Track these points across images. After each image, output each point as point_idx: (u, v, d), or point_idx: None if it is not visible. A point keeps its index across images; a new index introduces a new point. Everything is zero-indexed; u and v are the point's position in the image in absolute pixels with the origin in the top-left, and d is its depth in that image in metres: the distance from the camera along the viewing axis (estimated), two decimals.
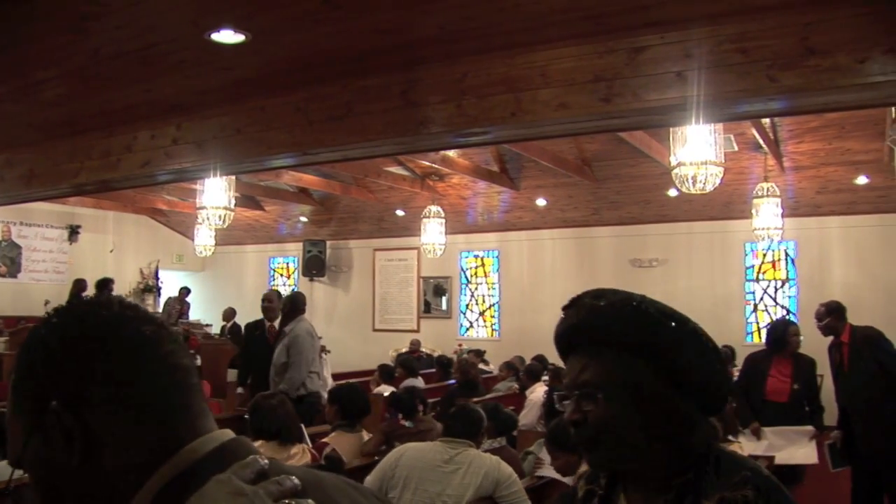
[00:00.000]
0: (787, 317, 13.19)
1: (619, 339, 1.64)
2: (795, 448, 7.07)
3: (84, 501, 1.09)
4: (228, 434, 1.12)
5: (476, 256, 17.26)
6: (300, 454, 5.06)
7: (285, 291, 19.59)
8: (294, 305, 8.61)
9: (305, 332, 8.34)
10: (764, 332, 10.73)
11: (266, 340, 8.65)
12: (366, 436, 5.72)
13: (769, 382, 7.28)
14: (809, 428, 7.13)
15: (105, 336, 1.10)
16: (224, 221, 9.95)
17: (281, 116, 6.01)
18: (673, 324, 1.65)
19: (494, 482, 4.48)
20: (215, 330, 16.44)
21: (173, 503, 1.00)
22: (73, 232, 17.00)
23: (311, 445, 5.46)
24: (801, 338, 7.42)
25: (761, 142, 10.78)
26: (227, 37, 4.91)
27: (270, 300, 8.96)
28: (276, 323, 8.71)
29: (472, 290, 17.29)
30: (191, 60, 5.42)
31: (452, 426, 4.75)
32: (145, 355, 1.11)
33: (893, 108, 5.54)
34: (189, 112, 6.43)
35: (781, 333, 7.52)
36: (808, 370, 7.39)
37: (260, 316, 9.02)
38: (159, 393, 1.10)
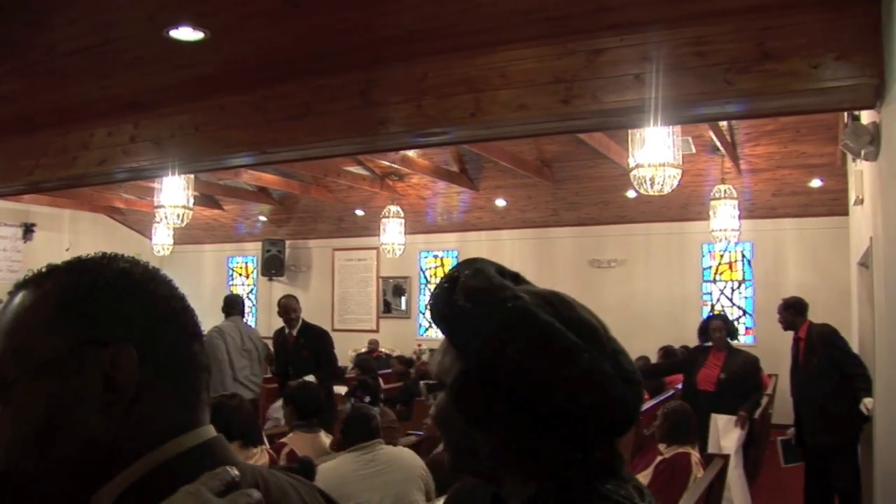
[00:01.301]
0: (718, 314, 13.46)
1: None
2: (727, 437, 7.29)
3: (65, 448, 1.05)
4: (212, 431, 1.13)
5: (435, 257, 17.27)
6: (258, 455, 5.03)
7: (244, 291, 19.52)
8: (224, 307, 8.61)
9: (214, 332, 8.22)
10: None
11: (286, 348, 8.50)
12: (324, 436, 5.69)
13: (701, 373, 7.54)
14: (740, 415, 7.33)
15: (178, 303, 1.16)
16: (182, 220, 9.85)
17: (240, 115, 5.97)
18: (477, 309, 1.19)
19: (421, 469, 4.58)
20: None
21: (146, 496, 1.01)
22: (28, 230, 16.73)
23: (268, 446, 5.43)
24: (721, 333, 7.72)
25: (718, 144, 10.89)
26: (185, 34, 4.87)
27: (294, 309, 8.60)
28: (295, 331, 8.50)
29: (432, 290, 17.24)
30: (149, 57, 5.37)
31: (351, 431, 4.75)
32: (193, 332, 1.16)
33: (846, 113, 5.61)
34: (147, 110, 6.37)
35: (704, 326, 7.98)
36: (743, 363, 7.61)
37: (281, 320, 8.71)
38: (191, 371, 1.14)
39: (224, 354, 8.18)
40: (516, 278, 1.32)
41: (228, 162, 6.74)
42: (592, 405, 1.15)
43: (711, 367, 7.63)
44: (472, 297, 1.19)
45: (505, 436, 1.19)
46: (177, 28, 4.79)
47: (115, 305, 1.09)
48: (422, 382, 7.59)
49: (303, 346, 8.38)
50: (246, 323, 9.10)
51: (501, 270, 1.29)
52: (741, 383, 7.53)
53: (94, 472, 1.04)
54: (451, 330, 1.23)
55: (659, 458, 5.59)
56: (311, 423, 5.65)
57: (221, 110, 6.05)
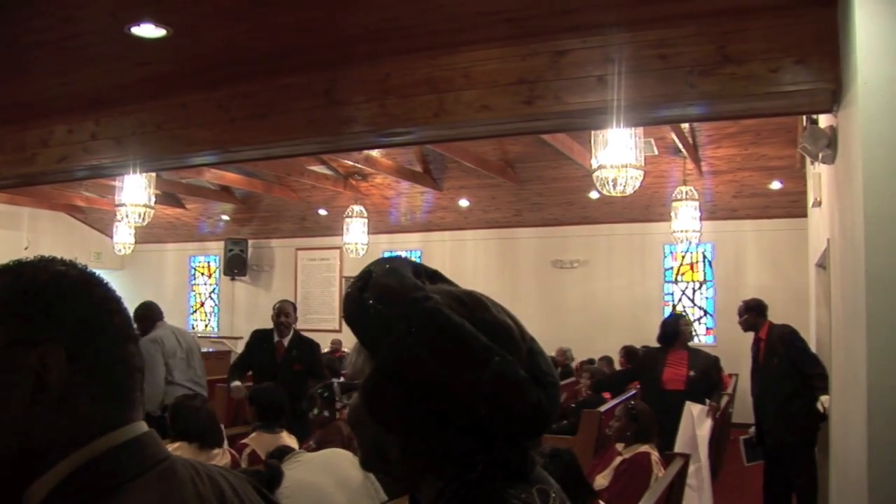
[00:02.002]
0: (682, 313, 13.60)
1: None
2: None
3: None
4: (143, 427, 1.16)
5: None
6: (220, 455, 5.00)
7: (207, 291, 19.38)
8: (143, 315, 7.85)
9: (148, 343, 7.53)
10: None
11: (273, 356, 7.93)
12: (286, 436, 5.66)
13: (666, 372, 7.59)
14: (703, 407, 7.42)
15: (113, 305, 1.18)
16: (144, 219, 9.78)
17: (202, 113, 5.93)
18: (386, 309, 1.17)
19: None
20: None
21: (77, 491, 1.05)
22: None
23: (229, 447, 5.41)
24: (693, 329, 7.82)
25: (680, 146, 11.00)
26: (147, 31, 4.83)
27: (287, 314, 8.11)
28: (287, 340, 8.01)
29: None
30: (110, 54, 5.31)
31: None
32: (127, 334, 1.18)
33: (804, 117, 5.68)
34: (108, 107, 6.30)
35: (674, 325, 7.97)
36: (706, 361, 7.70)
37: (268, 326, 8.19)
38: (124, 371, 1.17)
39: (160, 364, 7.58)
40: (434, 277, 1.31)
41: (191, 160, 6.70)
42: (503, 409, 1.13)
43: (678, 367, 7.68)
44: (382, 297, 1.18)
45: (415, 438, 1.17)
46: (138, 25, 4.74)
47: (48, 306, 1.11)
48: (336, 382, 7.53)
49: (295, 358, 7.89)
50: (176, 327, 8.71)
51: (418, 269, 1.28)
52: (706, 381, 7.62)
53: (26, 468, 1.07)
54: (360, 330, 1.21)
55: (619, 458, 5.62)
56: (273, 424, 5.63)
57: (184, 108, 6.01)
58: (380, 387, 1.17)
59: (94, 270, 1.22)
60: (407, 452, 1.19)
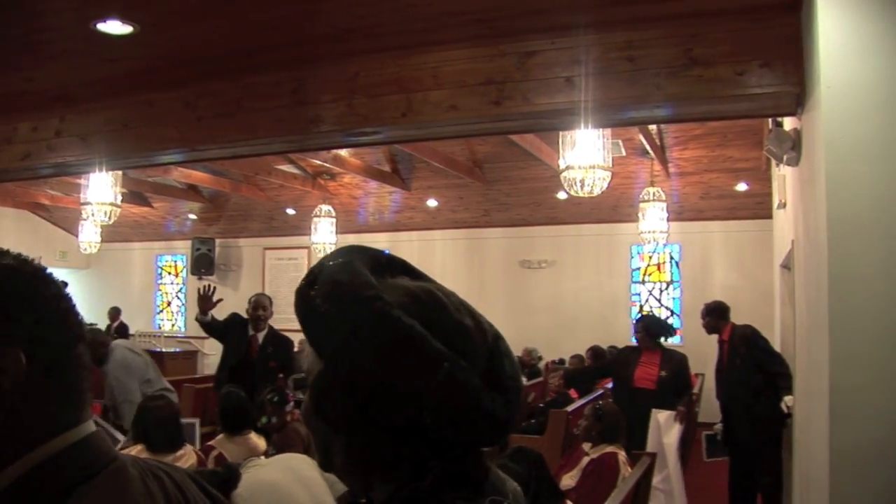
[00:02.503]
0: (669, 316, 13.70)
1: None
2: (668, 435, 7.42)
3: None
4: (91, 427, 1.16)
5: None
6: (186, 456, 4.96)
7: (174, 290, 19.25)
8: (95, 341, 7.19)
9: (126, 351, 7.34)
10: None
11: (248, 351, 7.81)
12: (255, 437, 5.63)
13: (638, 371, 7.65)
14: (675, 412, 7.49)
15: (66, 304, 1.16)
16: (110, 218, 9.66)
17: (169, 111, 5.89)
18: (332, 308, 1.10)
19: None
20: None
21: (29, 492, 1.06)
22: None
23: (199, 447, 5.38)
24: (640, 334, 7.98)
25: (648, 147, 11.06)
26: (114, 27, 4.79)
27: (264, 307, 7.96)
28: (262, 336, 7.87)
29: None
30: (76, 50, 5.27)
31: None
32: (78, 333, 1.17)
33: (770, 119, 5.73)
34: (73, 104, 6.25)
35: (664, 325, 8.14)
36: (678, 361, 7.76)
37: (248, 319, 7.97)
38: (76, 371, 1.16)
39: (137, 389, 7.12)
40: (394, 268, 1.25)
41: (158, 159, 6.65)
42: (452, 417, 1.07)
43: (649, 366, 7.74)
44: (329, 295, 1.11)
45: (359, 442, 1.12)
46: (105, 21, 4.71)
47: (3, 307, 1.10)
48: (291, 378, 7.46)
49: (271, 355, 7.79)
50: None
51: (377, 262, 1.21)
52: (677, 381, 7.68)
53: None
54: (307, 329, 1.14)
55: (586, 458, 5.64)
56: (237, 429, 5.59)
57: (150, 106, 5.97)
58: (326, 388, 1.12)
59: (44, 266, 1.19)
60: (351, 456, 1.15)
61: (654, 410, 7.43)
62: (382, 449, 1.11)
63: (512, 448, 4.11)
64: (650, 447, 7.17)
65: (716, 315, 7.52)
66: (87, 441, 1.14)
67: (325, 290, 1.12)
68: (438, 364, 1.06)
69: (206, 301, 7.95)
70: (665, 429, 7.41)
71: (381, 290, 1.11)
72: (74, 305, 1.19)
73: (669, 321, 8.02)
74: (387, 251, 1.28)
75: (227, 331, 8.06)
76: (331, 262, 1.16)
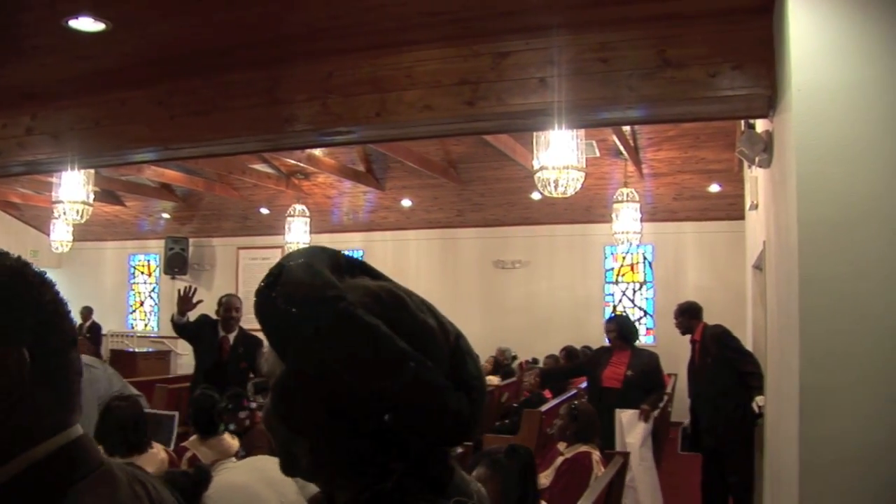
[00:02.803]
0: (623, 314, 13.79)
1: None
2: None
3: None
4: (79, 430, 1.17)
5: None
6: (151, 457, 4.90)
7: (146, 290, 19.14)
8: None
9: (104, 367, 6.74)
10: None
11: (220, 352, 7.73)
12: (227, 438, 5.59)
13: (606, 371, 7.72)
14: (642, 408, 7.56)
15: (63, 308, 1.18)
16: (82, 216, 9.60)
17: (142, 110, 5.84)
18: (294, 309, 1.08)
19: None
20: None
21: (20, 492, 1.07)
22: None
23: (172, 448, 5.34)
24: (613, 334, 8.03)
25: (622, 148, 11.11)
26: (86, 24, 4.75)
27: (236, 309, 7.86)
28: (233, 337, 7.78)
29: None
30: (47, 47, 5.22)
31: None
32: (72, 337, 1.20)
33: (742, 121, 5.79)
34: (45, 101, 6.19)
35: (633, 325, 8.28)
36: (647, 361, 7.82)
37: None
38: (70, 375, 1.18)
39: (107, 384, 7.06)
40: (354, 269, 1.23)
41: (130, 157, 6.60)
42: (419, 417, 1.07)
43: (617, 366, 7.81)
44: (290, 295, 1.09)
45: (324, 444, 1.10)
46: (77, 18, 4.67)
47: (7, 307, 1.11)
48: (250, 382, 7.42)
49: (242, 356, 7.68)
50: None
51: (337, 262, 1.20)
52: (646, 380, 7.72)
53: None
54: (268, 330, 1.11)
55: (560, 458, 5.66)
56: (208, 431, 5.54)
57: (123, 104, 5.92)
58: (288, 391, 1.10)
59: (43, 270, 1.21)
60: (317, 459, 1.12)
61: (617, 410, 7.48)
62: (346, 451, 1.09)
63: (505, 446, 4.12)
64: (616, 446, 7.22)
65: (688, 315, 7.57)
66: (78, 443, 1.15)
67: (286, 290, 1.09)
68: (404, 364, 1.05)
69: (186, 302, 7.89)
70: (628, 428, 7.45)
71: (343, 290, 1.09)
72: (70, 311, 1.20)
73: (639, 325, 8.07)
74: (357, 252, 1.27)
75: (199, 333, 7.98)
76: (291, 263, 1.14)
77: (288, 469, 1.17)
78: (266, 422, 1.18)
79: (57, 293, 1.18)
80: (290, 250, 9.04)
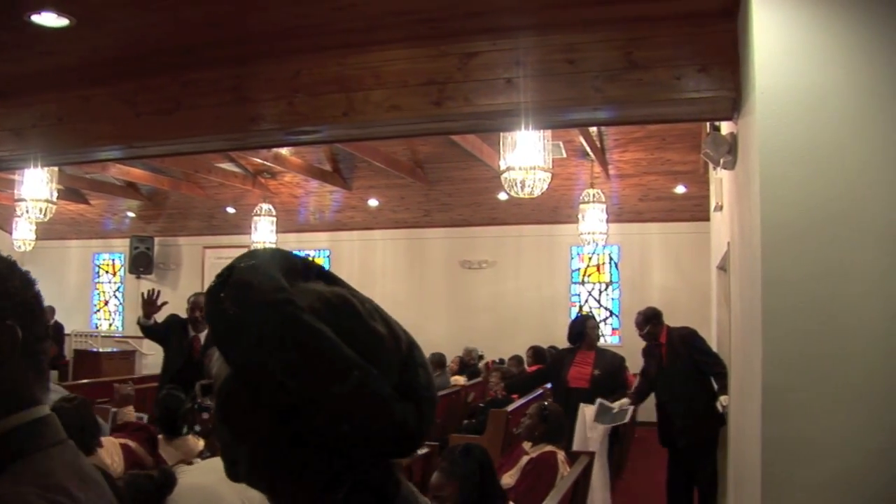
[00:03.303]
0: (589, 315, 13.85)
1: None
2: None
3: None
4: (46, 410, 1.30)
5: (307, 255, 17.11)
6: (100, 457, 4.83)
7: (111, 289, 18.96)
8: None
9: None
10: None
11: (190, 352, 7.64)
12: (192, 440, 5.56)
13: (571, 371, 7.74)
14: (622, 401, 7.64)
15: (41, 298, 1.35)
16: (45, 215, 9.49)
17: (107, 107, 5.79)
18: (239, 312, 1.06)
19: None
20: None
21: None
22: None
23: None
24: (597, 331, 8.17)
25: (588, 149, 11.17)
26: (49, 20, 4.69)
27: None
28: (203, 336, 7.65)
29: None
30: (9, 42, 5.15)
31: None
32: (46, 323, 1.34)
33: (707, 123, 5.84)
34: (6, 98, 6.11)
35: (581, 326, 8.12)
36: (612, 361, 7.87)
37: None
38: (44, 357, 1.34)
39: None
40: (309, 273, 1.19)
41: (95, 155, 6.54)
42: (361, 427, 1.04)
43: (583, 366, 7.85)
44: (237, 297, 1.06)
45: (264, 451, 1.08)
46: (39, 13, 4.61)
47: (7, 291, 1.26)
48: (198, 384, 7.34)
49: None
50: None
51: (291, 265, 1.16)
52: (611, 380, 7.76)
53: None
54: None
55: (525, 457, 5.67)
56: (174, 431, 5.50)
57: (87, 102, 5.86)
58: (231, 394, 1.08)
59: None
60: (256, 465, 1.09)
61: (581, 405, 7.53)
62: (290, 459, 1.07)
63: (460, 446, 4.11)
64: (577, 441, 7.29)
65: (654, 321, 7.57)
66: (49, 418, 1.29)
67: (233, 292, 1.07)
68: (348, 372, 1.02)
69: (150, 305, 7.84)
70: (591, 423, 7.51)
71: (291, 294, 1.07)
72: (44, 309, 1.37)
73: (590, 329, 8.04)
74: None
75: (169, 333, 7.91)
76: (241, 265, 1.11)
77: (231, 474, 1.14)
78: (212, 424, 1.22)
79: (38, 290, 1.33)
80: (255, 244, 9.04)
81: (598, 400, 7.58)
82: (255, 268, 1.09)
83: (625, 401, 7.64)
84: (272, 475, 1.09)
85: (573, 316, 14.63)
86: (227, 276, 1.10)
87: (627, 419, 7.77)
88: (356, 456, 1.07)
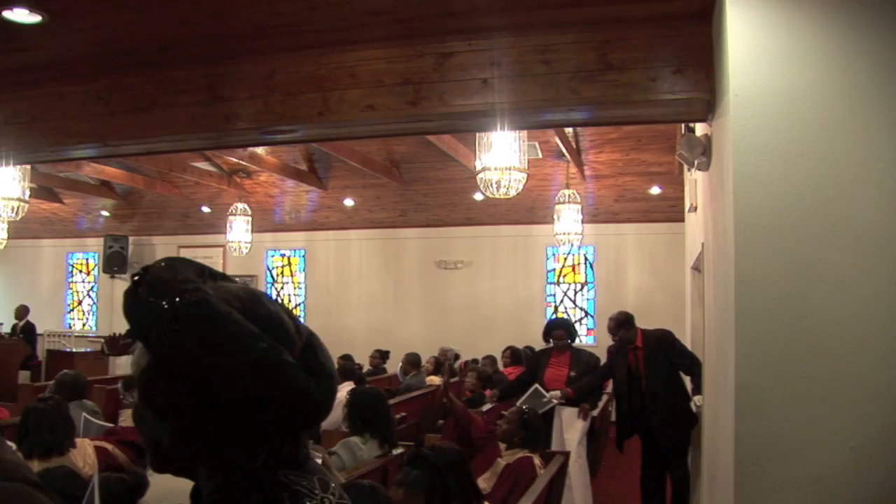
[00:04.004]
0: (564, 317, 13.89)
1: None
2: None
3: None
4: None
5: (282, 255, 17.11)
6: (72, 457, 4.79)
7: (85, 289, 18.82)
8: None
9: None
10: None
11: None
12: None
13: (548, 372, 7.79)
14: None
15: None
16: (17, 214, 9.41)
17: (81, 105, 5.74)
18: (155, 299, 1.19)
19: None
20: (6, 329, 15.62)
21: None
22: None
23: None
24: (563, 341, 8.17)
25: (564, 150, 11.19)
26: (21, 16, 4.64)
27: None
28: None
29: (278, 289, 17.13)
30: None
31: None
32: None
33: (682, 125, 5.87)
34: None
35: (547, 332, 8.33)
36: (587, 360, 7.93)
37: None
38: None
39: None
40: (217, 277, 1.33)
41: (68, 154, 6.49)
42: (270, 394, 1.18)
43: (559, 367, 7.89)
44: (152, 288, 1.20)
45: (189, 427, 1.21)
46: (12, 9, 4.56)
47: None
48: (120, 381, 7.28)
49: None
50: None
51: (201, 270, 1.30)
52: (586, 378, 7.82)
53: None
54: (133, 322, 1.21)
55: (502, 462, 5.64)
56: None
57: (61, 99, 5.82)
58: (153, 376, 1.21)
59: None
60: (181, 441, 1.22)
61: (558, 407, 7.55)
62: (209, 430, 1.21)
63: (428, 444, 4.09)
64: (554, 443, 7.32)
65: (627, 325, 7.49)
66: None
67: (149, 284, 1.21)
68: (253, 344, 1.17)
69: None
70: (567, 425, 7.55)
71: (201, 285, 1.22)
72: None
73: (555, 338, 8.10)
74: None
75: None
76: (155, 265, 1.25)
77: (157, 463, 1.28)
78: (134, 414, 1.29)
79: None
80: (231, 247, 9.04)
81: (535, 385, 7.66)
82: (171, 266, 1.24)
83: (556, 393, 7.70)
84: (196, 450, 1.23)
85: (549, 316, 14.70)
86: (143, 276, 1.23)
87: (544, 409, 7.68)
88: (268, 426, 1.21)
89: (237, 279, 1.37)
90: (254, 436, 1.21)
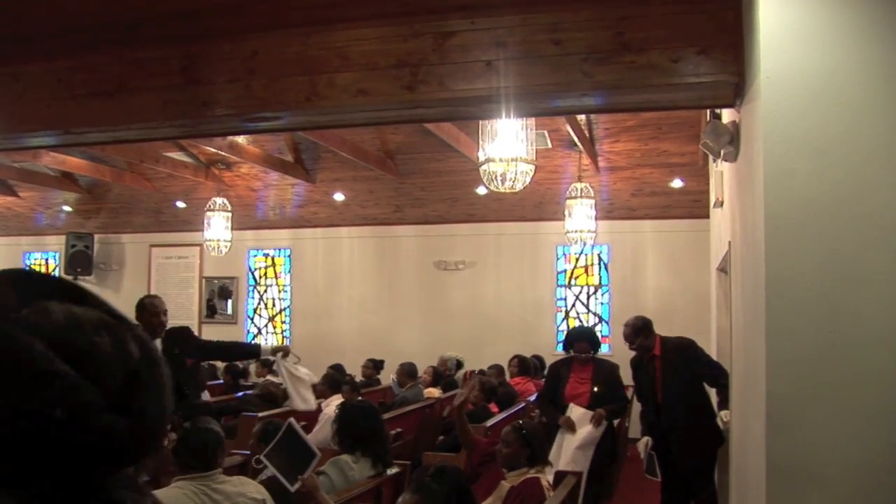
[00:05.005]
0: (593, 326, 13.82)
1: None
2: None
3: None
4: None
5: (266, 255, 17.10)
6: None
7: None
8: None
9: None
10: None
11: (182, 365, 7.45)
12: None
13: (568, 387, 7.70)
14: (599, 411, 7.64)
15: None
16: None
17: (39, 87, 5.72)
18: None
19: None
20: None
21: None
22: None
23: None
24: (588, 354, 8.00)
25: (576, 139, 11.17)
26: None
27: (165, 312, 7.57)
28: (160, 341, 7.42)
29: (261, 292, 17.12)
30: None
31: (184, 454, 4.60)
32: None
33: (707, 111, 5.86)
34: None
35: (568, 343, 8.19)
36: (609, 373, 7.86)
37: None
38: None
39: None
40: (61, 295, 1.31)
41: (25, 142, 6.47)
42: (59, 432, 1.15)
43: (581, 383, 7.78)
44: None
45: None
46: None
47: None
48: None
49: (180, 356, 7.35)
50: None
51: (34, 285, 1.30)
52: (611, 395, 7.75)
53: None
54: None
55: (507, 485, 5.59)
56: None
57: (16, 81, 5.78)
58: None
59: None
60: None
61: (571, 405, 7.53)
62: None
63: (431, 468, 4.10)
64: (555, 442, 7.28)
65: (646, 332, 7.47)
66: None
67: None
68: (50, 382, 1.14)
69: None
70: (578, 424, 7.50)
71: (8, 311, 1.19)
72: None
73: (580, 346, 8.03)
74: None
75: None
76: None
77: None
78: None
79: None
80: (208, 246, 9.00)
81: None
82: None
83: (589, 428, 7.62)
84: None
85: (559, 322, 14.69)
86: None
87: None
88: (66, 464, 1.17)
89: (108, 302, 1.36)
90: (36, 475, 1.18)
